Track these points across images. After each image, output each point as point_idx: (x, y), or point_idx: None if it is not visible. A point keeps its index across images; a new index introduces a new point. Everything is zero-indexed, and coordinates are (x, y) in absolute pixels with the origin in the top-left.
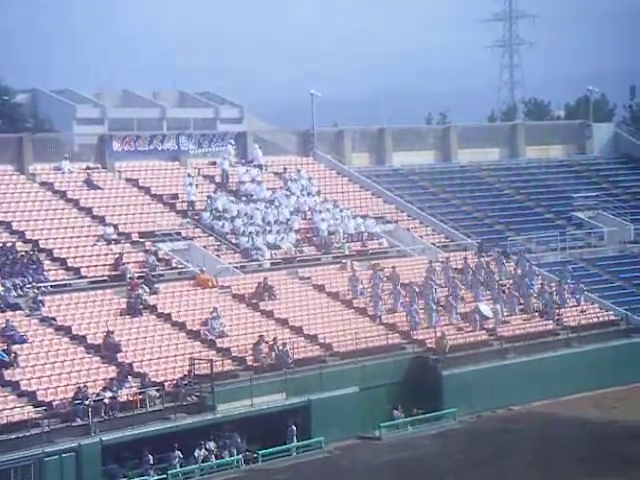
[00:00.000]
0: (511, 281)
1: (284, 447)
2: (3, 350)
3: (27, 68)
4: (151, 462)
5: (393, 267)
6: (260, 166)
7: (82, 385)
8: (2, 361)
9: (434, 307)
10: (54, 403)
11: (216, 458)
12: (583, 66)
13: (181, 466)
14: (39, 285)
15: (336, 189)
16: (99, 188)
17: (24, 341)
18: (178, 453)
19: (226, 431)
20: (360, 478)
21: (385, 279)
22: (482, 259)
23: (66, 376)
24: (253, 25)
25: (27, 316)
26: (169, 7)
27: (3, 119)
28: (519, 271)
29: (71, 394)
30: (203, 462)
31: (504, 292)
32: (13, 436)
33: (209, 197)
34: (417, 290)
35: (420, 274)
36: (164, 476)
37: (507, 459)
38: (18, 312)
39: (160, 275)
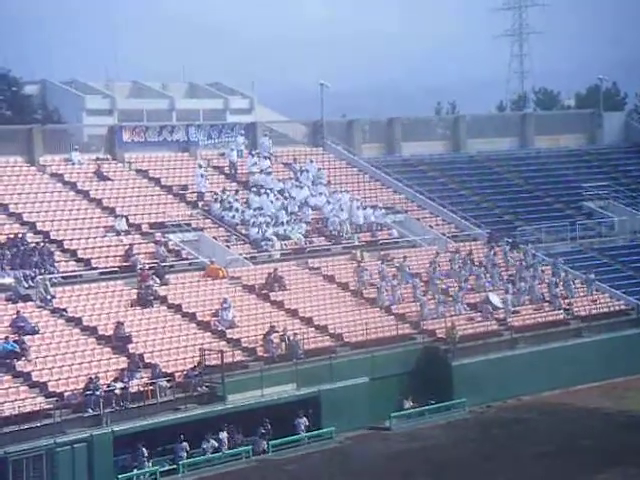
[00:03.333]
0: (517, 271)
1: (294, 438)
2: (14, 341)
3: (35, 59)
4: (146, 455)
5: (404, 257)
6: (267, 157)
7: (93, 376)
8: (13, 352)
9: (441, 298)
10: (65, 394)
11: (226, 448)
12: (594, 55)
13: (191, 456)
14: (50, 276)
15: (346, 180)
16: (109, 179)
17: (35, 332)
18: (185, 445)
19: (236, 421)
20: (371, 468)
21: (395, 270)
22: (491, 249)
23: (77, 367)
24: (259, 19)
25: (38, 307)
26: None
27: (12, 110)
28: (524, 261)
29: (82, 385)
30: (214, 452)
31: (513, 282)
32: (25, 427)
33: (222, 190)
34: (425, 280)
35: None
36: (175, 466)
37: (517, 449)
38: (29, 303)
39: (170, 266)
